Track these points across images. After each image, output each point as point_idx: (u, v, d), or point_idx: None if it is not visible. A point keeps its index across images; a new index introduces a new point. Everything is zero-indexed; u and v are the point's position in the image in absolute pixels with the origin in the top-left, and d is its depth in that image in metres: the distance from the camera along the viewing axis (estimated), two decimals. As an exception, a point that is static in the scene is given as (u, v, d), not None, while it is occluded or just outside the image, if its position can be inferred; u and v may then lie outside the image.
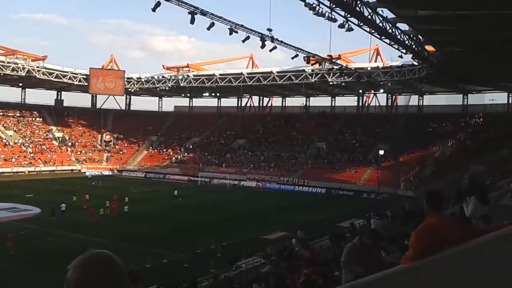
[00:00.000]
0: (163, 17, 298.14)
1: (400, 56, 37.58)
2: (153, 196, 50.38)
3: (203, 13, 29.59)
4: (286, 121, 78.38)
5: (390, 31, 31.16)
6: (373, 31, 30.38)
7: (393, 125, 67.29)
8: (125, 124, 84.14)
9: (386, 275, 2.55)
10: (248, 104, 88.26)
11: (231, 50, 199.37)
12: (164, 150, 79.61)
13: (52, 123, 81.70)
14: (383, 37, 32.14)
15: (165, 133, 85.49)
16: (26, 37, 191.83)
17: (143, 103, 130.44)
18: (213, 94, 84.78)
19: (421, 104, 71.71)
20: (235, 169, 67.00)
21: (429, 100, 71.91)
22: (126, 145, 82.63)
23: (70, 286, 1.50)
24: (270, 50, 35.48)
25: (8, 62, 65.80)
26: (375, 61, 61.71)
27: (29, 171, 66.36)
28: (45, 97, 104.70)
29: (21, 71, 67.16)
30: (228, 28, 31.63)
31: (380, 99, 74.71)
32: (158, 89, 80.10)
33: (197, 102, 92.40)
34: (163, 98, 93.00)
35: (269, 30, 32.74)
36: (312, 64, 53.60)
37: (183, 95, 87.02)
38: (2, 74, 65.99)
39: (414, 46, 36.16)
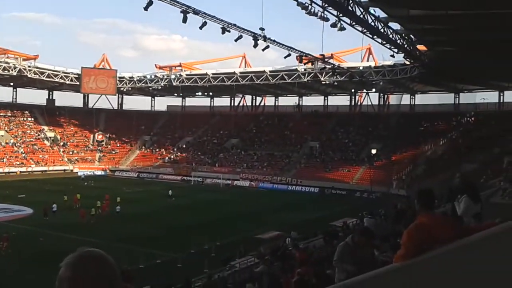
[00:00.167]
0: (156, 16, 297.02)
1: (392, 56, 37.83)
2: (146, 196, 50.22)
3: (196, 12, 29.56)
4: (279, 121, 78.45)
5: (382, 30, 31.30)
6: (365, 30, 30.48)
7: (386, 124, 67.59)
8: (117, 124, 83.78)
9: (378, 274, 2.55)
10: (241, 104, 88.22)
11: (223, 49, 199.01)
12: (157, 149, 79.38)
13: (44, 123, 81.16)
14: (375, 37, 32.28)
15: (158, 132, 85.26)
16: (18, 36, 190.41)
17: (136, 103, 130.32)
18: (206, 94, 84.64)
19: (413, 103, 72.08)
20: (228, 168, 66.95)
21: (421, 99, 72.40)
22: (118, 145, 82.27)
23: (62, 283, 1.49)
24: (263, 50, 35.55)
25: (-1, 62, 65.33)
26: (367, 61, 61.93)
27: (20, 172, 65.89)
28: (37, 96, 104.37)
29: (12, 70, 66.65)
30: (221, 27, 31.64)
31: (372, 98, 75.12)
32: (150, 88, 79.82)
33: (190, 101, 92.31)
34: (155, 97, 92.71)
35: (262, 29, 32.78)
36: (305, 64, 53.80)
37: (175, 94, 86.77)
38: (-7, 74, 65.52)
39: (406, 46, 36.33)
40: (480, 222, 5.77)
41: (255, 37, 32.87)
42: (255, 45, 33.54)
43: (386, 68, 55.55)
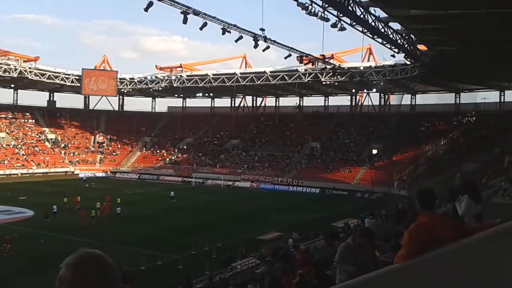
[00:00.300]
0: (156, 17, 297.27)
1: (393, 56, 37.82)
2: (147, 197, 50.26)
3: (196, 13, 29.56)
4: (279, 121, 78.43)
5: (382, 30, 31.28)
6: (365, 30, 30.46)
7: (386, 124, 67.49)
8: (118, 125, 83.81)
9: (379, 275, 2.55)
10: (241, 104, 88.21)
11: (224, 50, 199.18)
12: (158, 151, 79.38)
13: (45, 124, 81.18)
14: (375, 37, 32.26)
15: (159, 134, 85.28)
16: (18, 38, 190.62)
17: (136, 104, 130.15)
18: (206, 94, 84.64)
19: (414, 103, 72.07)
20: (229, 169, 66.94)
21: (421, 99, 72.40)
22: (119, 147, 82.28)
23: (62, 284, 1.52)
24: (263, 50, 35.53)
25: (-1, 63, 65.48)
26: (368, 61, 61.95)
27: (22, 173, 65.90)
28: (38, 98, 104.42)
29: (13, 72, 66.76)
30: (221, 28, 31.61)
31: (373, 98, 75.08)
32: (151, 89, 79.87)
33: (191, 102, 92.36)
34: (156, 98, 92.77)
35: (262, 30, 32.77)
36: (305, 64, 53.76)
37: (176, 95, 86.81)
38: (-6, 75, 65.60)
39: (406, 45, 36.32)
40: (481, 222, 5.76)
41: (256, 38, 32.86)
42: (256, 46, 33.53)
43: (386, 68, 55.55)
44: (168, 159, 75.72)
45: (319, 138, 70.06)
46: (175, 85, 72.67)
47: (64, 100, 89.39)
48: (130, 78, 79.24)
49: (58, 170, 70.45)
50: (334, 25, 28.87)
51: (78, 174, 70.29)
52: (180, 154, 76.52)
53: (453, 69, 46.10)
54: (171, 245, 28.45)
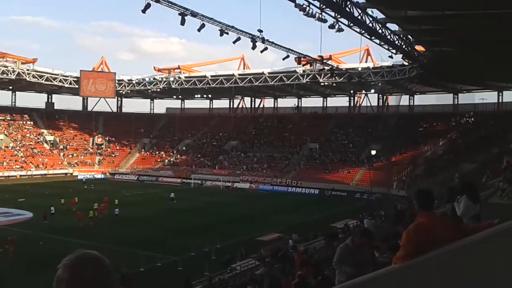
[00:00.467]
0: (153, 18, 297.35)
1: (391, 57, 37.81)
2: (146, 199, 50.20)
3: (194, 14, 29.56)
4: (278, 122, 78.42)
5: (380, 31, 31.31)
6: (363, 31, 30.49)
7: (385, 125, 67.54)
8: (116, 127, 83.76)
9: (378, 276, 2.55)
10: (240, 105, 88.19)
11: (222, 51, 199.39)
12: (157, 152, 79.32)
13: (43, 126, 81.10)
14: (373, 38, 32.28)
15: (157, 135, 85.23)
16: (16, 39, 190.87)
17: (135, 105, 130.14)
18: (204, 96, 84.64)
19: (412, 103, 72.11)
20: (228, 170, 66.92)
21: (419, 99, 72.47)
22: (118, 148, 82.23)
23: (60, 284, 1.54)
24: (261, 51, 35.47)
25: (-3, 65, 65.36)
26: (366, 62, 61.98)
27: (20, 175, 65.82)
28: (36, 100, 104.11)
29: (11, 74, 66.70)
30: (219, 29, 31.62)
31: (371, 99, 75.02)
32: (149, 91, 79.83)
33: (189, 103, 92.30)
34: (154, 100, 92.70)
35: (260, 31, 32.80)
36: (303, 65, 53.79)
37: (174, 97, 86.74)
38: (-9, 78, 65.55)
39: (404, 46, 36.36)
40: (479, 223, 5.77)
41: (253, 39, 32.86)
42: (254, 47, 33.56)
43: (384, 69, 55.61)
44: (167, 160, 75.67)
45: (317, 139, 70.07)
46: (173, 86, 72.67)
47: (62, 102, 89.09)
48: (128, 80, 79.18)
49: (57, 172, 70.34)
50: (331, 26, 28.89)
51: (77, 175, 70.19)
52: (179, 156, 76.48)
53: (451, 70, 46.15)
54: (170, 246, 28.43)
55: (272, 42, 35.12)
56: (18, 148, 72.60)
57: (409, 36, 35.29)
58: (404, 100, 71.76)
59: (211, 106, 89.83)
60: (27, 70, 68.95)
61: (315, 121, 74.93)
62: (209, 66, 76.91)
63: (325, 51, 68.42)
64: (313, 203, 48.87)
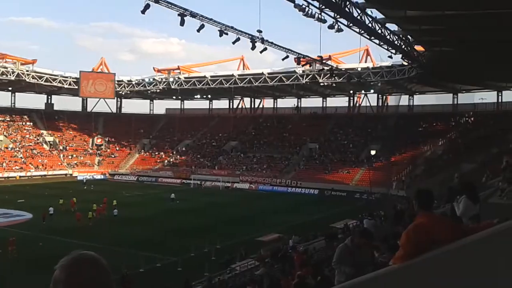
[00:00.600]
0: (153, 19, 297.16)
1: (390, 57, 37.82)
2: (146, 199, 50.18)
3: (193, 15, 29.56)
4: (278, 123, 78.41)
5: (379, 31, 31.30)
6: (362, 31, 30.49)
7: (384, 125, 67.57)
8: (116, 128, 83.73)
9: (377, 276, 2.55)
10: (239, 106, 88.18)
11: (221, 52, 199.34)
12: (156, 153, 79.31)
13: (43, 127, 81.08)
14: (372, 38, 32.27)
15: (157, 136, 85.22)
16: (16, 40, 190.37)
17: (134, 106, 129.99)
18: (204, 96, 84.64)
19: (412, 103, 72.13)
20: (228, 171, 66.90)
21: (419, 99, 72.46)
22: (117, 149, 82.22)
23: (57, 285, 1.53)
24: (261, 52, 35.47)
25: (-3, 66, 65.34)
26: (365, 62, 61.97)
27: (20, 176, 65.81)
28: (35, 101, 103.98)
29: (10, 75, 66.70)
30: (218, 30, 31.60)
31: (371, 99, 75.07)
32: (149, 91, 79.80)
33: (189, 104, 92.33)
34: (154, 100, 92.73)
35: (259, 31, 32.81)
36: (303, 65, 53.82)
37: (174, 97, 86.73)
38: (-9, 79, 65.52)
39: (403, 46, 36.35)
40: (479, 223, 5.76)
41: (253, 40, 32.86)
42: (253, 48, 33.55)
43: (384, 69, 55.62)
44: (166, 161, 75.65)
45: (317, 139, 70.08)
46: (173, 87, 72.68)
47: (62, 103, 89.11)
48: (128, 80, 79.17)
49: (56, 173, 70.32)
50: (331, 27, 28.90)
51: (76, 176, 70.19)
52: (178, 156, 76.47)
53: (450, 70, 46.16)
54: (170, 247, 28.42)
55: (272, 43, 35.13)
56: (17, 149, 72.58)
57: (408, 36, 35.28)
58: (404, 100, 71.87)
59: (210, 107, 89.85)
60: (27, 71, 68.96)
61: (314, 121, 74.94)
62: (208, 67, 77.14)
63: (325, 51, 68.63)
64: (313, 203, 48.89)
